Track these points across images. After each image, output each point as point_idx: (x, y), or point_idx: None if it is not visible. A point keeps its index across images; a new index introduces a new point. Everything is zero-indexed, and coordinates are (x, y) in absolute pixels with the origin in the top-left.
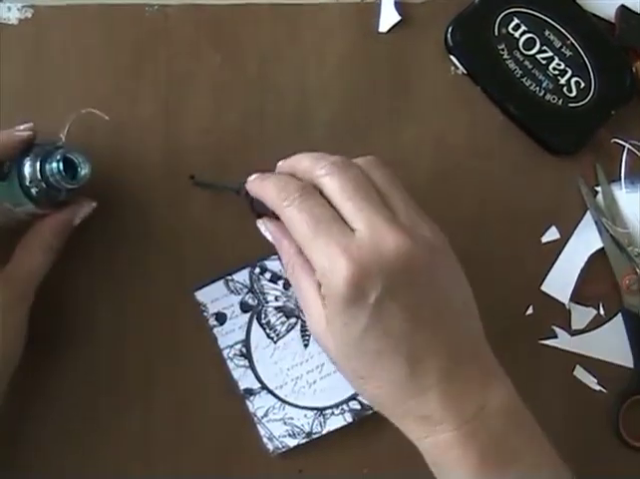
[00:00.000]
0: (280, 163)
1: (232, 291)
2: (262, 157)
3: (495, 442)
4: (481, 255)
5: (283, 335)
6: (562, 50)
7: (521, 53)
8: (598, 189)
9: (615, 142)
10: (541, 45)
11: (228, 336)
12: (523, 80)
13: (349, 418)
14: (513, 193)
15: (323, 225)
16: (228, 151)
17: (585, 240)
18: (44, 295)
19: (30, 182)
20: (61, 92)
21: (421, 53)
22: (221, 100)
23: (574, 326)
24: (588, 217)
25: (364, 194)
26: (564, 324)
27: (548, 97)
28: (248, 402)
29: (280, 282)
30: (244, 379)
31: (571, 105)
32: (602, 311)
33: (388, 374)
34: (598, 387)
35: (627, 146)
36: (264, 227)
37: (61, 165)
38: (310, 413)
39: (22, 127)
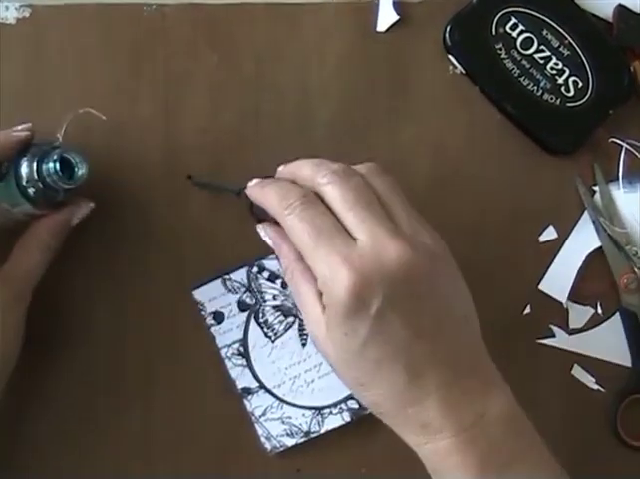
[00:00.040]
0: (280, 168)
1: (230, 291)
2: (260, 156)
3: (495, 449)
4: (479, 255)
5: (281, 335)
6: (560, 49)
7: (519, 52)
8: (596, 188)
9: (613, 141)
10: (539, 44)
11: (226, 336)
12: (521, 79)
13: (347, 418)
14: (511, 192)
15: (324, 234)
16: (226, 150)
17: (583, 240)
18: (42, 295)
19: (27, 181)
20: (59, 91)
21: (419, 52)
22: (219, 99)
23: (572, 326)
24: (586, 216)
25: (365, 203)
26: (562, 324)
27: (546, 96)
28: (246, 401)
29: (278, 282)
30: (242, 378)
31: (569, 104)
32: (600, 311)
33: (387, 383)
34: (596, 386)
35: (625, 145)
36: (264, 231)
37: (57, 164)
38: (308, 412)
39: (20, 127)
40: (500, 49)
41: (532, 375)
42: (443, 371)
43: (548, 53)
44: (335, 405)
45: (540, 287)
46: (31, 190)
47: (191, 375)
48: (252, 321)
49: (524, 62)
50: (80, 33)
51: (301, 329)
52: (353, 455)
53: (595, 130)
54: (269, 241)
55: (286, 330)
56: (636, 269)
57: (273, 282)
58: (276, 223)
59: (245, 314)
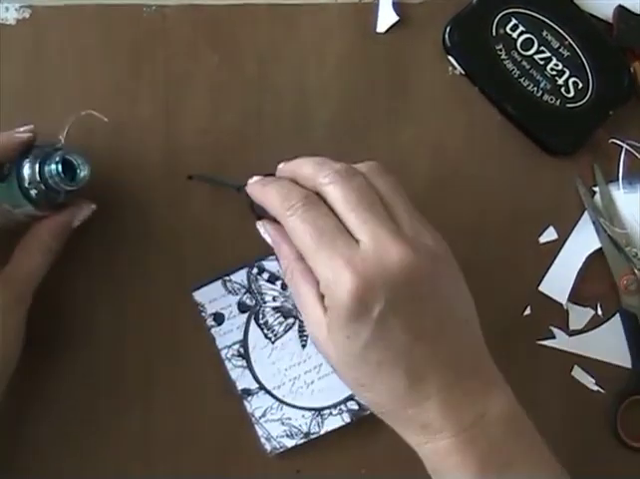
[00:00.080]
0: (281, 166)
1: (230, 292)
2: (260, 157)
3: (495, 449)
4: (479, 256)
5: (281, 336)
6: (560, 50)
7: (519, 53)
8: (596, 189)
9: (613, 142)
10: (539, 45)
11: (226, 337)
12: (521, 80)
13: (347, 418)
14: (511, 193)
15: (327, 236)
16: (226, 151)
17: (583, 241)
18: (42, 297)
19: (29, 183)
20: (59, 92)
21: (419, 53)
22: (219, 100)
23: (572, 327)
24: (586, 217)
25: (367, 204)
26: (562, 325)
27: (546, 97)
28: (246, 402)
29: (278, 283)
30: (242, 380)
31: (569, 105)
32: (600, 312)
33: (388, 385)
34: (596, 387)
35: (625, 146)
36: (264, 229)
37: (60, 166)
38: (308, 413)
39: (22, 129)
40: (500, 50)
41: (532, 376)
42: (444, 373)
43: (548, 54)
44: (335, 406)
45: (540, 288)
46: (33, 192)
47: (192, 376)
48: (252, 322)
49: (524, 63)
50: (80, 34)
51: (301, 330)
52: (353, 456)
53: (595, 131)
54: (269, 240)
55: (286, 331)
56: (636, 270)
57: (273, 283)
58: (276, 220)
59: (245, 315)
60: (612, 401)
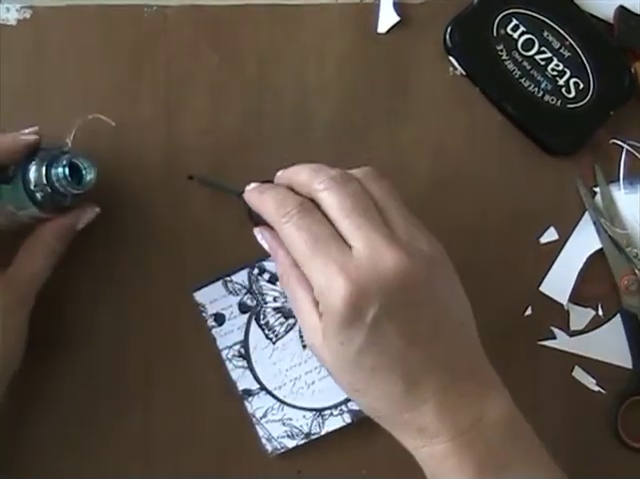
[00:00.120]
0: (279, 173)
1: (231, 292)
2: (261, 157)
3: (492, 453)
4: (480, 256)
5: (282, 336)
6: (561, 51)
7: (520, 54)
8: (597, 189)
9: (614, 142)
10: (540, 46)
11: (227, 337)
12: (522, 81)
13: (348, 419)
14: (512, 193)
15: (321, 243)
16: (227, 151)
17: (584, 241)
18: (44, 299)
19: (35, 186)
20: (59, 93)
21: (419, 54)
22: (220, 100)
23: (573, 327)
24: (587, 217)
25: (362, 210)
26: (563, 325)
27: (547, 98)
28: (247, 403)
29: (279, 283)
30: (243, 380)
31: (570, 106)
32: (601, 312)
33: (382, 390)
34: (597, 388)
35: (626, 147)
36: (261, 235)
37: (67, 170)
38: (309, 414)
39: (27, 130)
40: (501, 50)
41: (533, 377)
42: (440, 376)
43: (549, 54)
44: (336, 407)
45: (541, 289)
46: (39, 194)
47: (192, 377)
48: (253, 323)
49: (525, 63)
50: (81, 34)
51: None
52: (354, 456)
53: (596, 131)
54: (266, 246)
55: (287, 332)
56: (637, 271)
57: (274, 284)
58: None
59: (246, 316)
60: (613, 402)
